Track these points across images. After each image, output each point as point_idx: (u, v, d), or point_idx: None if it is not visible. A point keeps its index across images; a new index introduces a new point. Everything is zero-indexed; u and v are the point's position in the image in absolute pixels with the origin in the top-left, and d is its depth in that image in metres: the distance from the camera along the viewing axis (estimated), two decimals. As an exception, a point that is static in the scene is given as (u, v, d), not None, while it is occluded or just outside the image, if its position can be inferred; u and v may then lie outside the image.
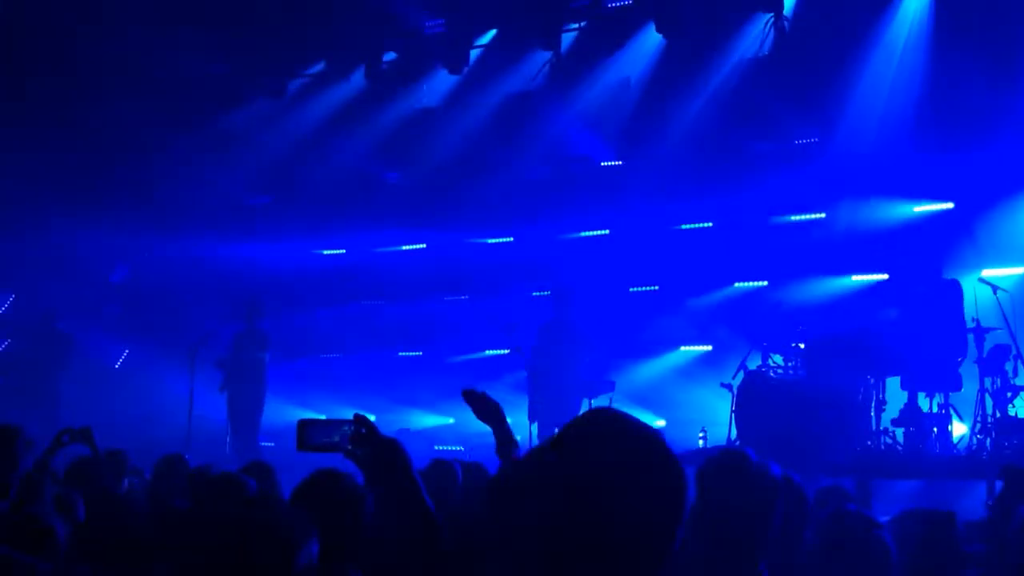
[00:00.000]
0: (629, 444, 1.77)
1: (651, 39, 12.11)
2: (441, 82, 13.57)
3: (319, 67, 14.07)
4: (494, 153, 13.09)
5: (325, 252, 14.80)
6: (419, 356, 14.26)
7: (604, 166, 12.92)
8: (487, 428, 3.69)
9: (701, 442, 10.13)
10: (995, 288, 8.88)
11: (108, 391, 12.66)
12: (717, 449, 3.37)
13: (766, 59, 11.42)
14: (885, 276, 10.82)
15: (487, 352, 13.18)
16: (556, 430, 2.00)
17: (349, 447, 2.63)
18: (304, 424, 2.80)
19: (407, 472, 2.57)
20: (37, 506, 4.27)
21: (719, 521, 2.90)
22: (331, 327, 14.78)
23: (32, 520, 3.77)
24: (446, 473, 5.12)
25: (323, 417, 11.02)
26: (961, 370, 8.74)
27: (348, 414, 2.69)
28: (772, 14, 11.31)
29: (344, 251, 14.76)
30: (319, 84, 14.17)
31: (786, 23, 11.20)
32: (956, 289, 8.97)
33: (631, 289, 12.87)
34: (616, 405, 9.51)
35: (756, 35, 11.59)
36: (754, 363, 9.43)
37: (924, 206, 11.12)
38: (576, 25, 12.62)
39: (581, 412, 2.05)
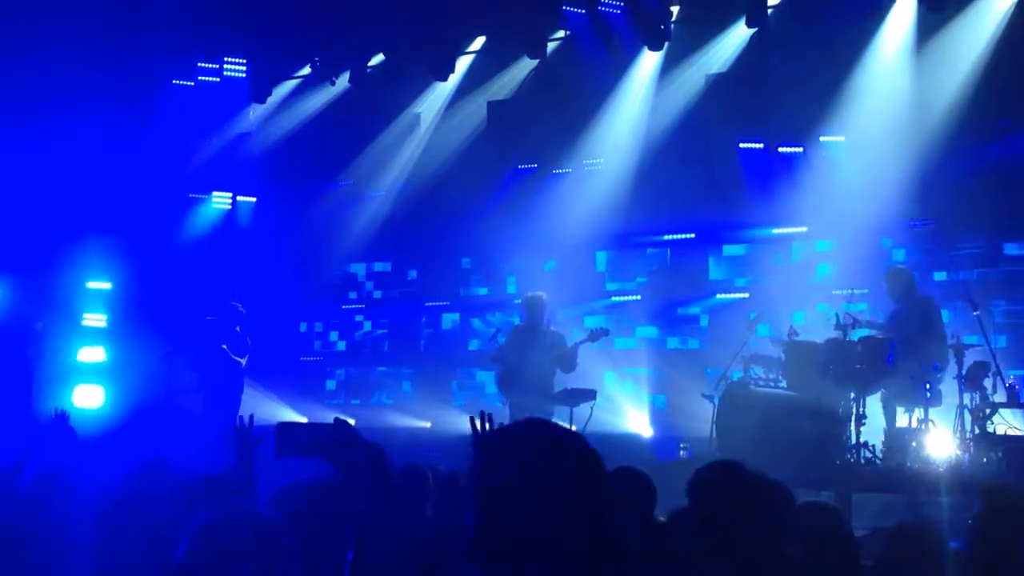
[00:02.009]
0: (535, 449, 1.89)
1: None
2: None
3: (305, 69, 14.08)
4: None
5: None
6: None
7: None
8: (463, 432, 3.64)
9: (683, 453, 10.15)
10: (974, 305, 8.94)
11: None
12: (713, 462, 3.36)
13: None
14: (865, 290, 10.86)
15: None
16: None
17: (329, 451, 2.60)
18: (283, 428, 2.77)
19: (387, 476, 2.55)
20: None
21: (719, 533, 2.90)
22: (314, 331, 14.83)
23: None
24: (421, 479, 5.08)
25: (304, 420, 10.92)
26: (941, 386, 8.80)
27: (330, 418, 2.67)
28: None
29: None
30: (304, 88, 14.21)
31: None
32: (932, 304, 9.03)
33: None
34: (597, 414, 9.63)
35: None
36: (736, 374, 9.46)
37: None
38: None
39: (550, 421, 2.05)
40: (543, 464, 1.86)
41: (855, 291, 9.92)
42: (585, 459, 1.90)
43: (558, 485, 1.85)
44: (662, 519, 4.02)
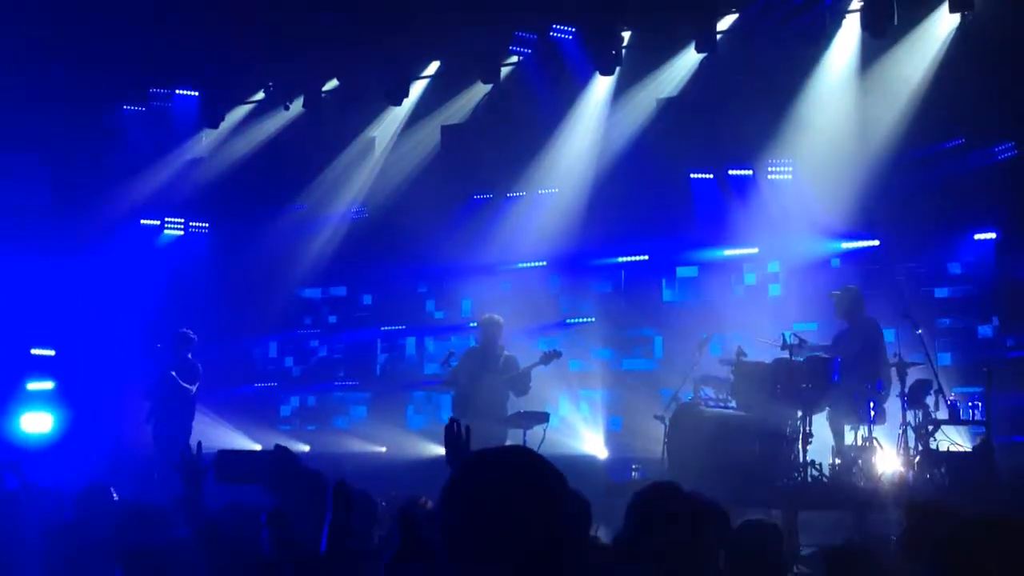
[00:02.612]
0: (501, 469, 2.14)
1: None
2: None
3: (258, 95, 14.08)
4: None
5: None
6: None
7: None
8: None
9: (635, 474, 10.19)
10: (916, 324, 9.14)
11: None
12: (649, 484, 3.42)
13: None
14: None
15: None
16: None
17: (267, 478, 2.62)
18: (224, 455, 2.79)
19: (322, 505, 2.58)
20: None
21: (652, 552, 2.96)
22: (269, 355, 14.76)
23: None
24: (369, 507, 5.09)
25: (257, 446, 10.83)
26: (885, 404, 8.97)
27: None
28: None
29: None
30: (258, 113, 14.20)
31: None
32: (876, 325, 9.22)
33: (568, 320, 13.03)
34: (551, 436, 9.68)
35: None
36: (687, 395, 9.56)
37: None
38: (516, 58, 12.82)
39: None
40: (514, 479, 2.13)
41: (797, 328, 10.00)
42: (548, 477, 2.16)
43: (524, 498, 2.10)
44: (603, 541, 4.09)
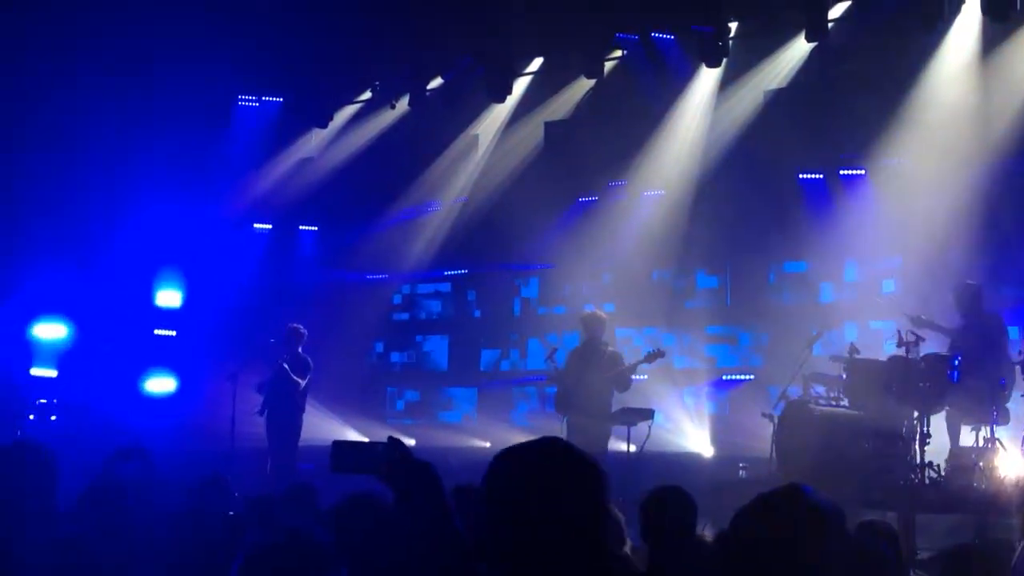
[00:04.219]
0: (541, 464, 2.11)
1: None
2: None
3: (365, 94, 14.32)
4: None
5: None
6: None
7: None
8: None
9: (742, 474, 10.02)
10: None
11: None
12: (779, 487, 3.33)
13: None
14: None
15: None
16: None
17: (383, 469, 2.64)
18: (339, 445, 2.82)
19: (439, 496, 2.59)
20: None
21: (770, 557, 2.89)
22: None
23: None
24: (469, 499, 5.12)
25: (361, 439, 11.08)
26: (1009, 404, 8.60)
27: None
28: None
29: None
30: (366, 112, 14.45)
31: None
32: (1000, 321, 8.84)
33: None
34: (657, 433, 9.59)
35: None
36: (796, 392, 9.34)
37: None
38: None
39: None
40: (547, 477, 2.08)
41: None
42: (584, 472, 2.11)
43: (558, 495, 2.05)
44: (708, 538, 4.02)
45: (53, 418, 12.08)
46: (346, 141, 14.48)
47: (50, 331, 13.09)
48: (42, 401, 12.18)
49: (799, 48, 11.79)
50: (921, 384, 8.41)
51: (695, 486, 4.89)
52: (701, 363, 12.63)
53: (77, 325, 13.10)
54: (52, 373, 12.99)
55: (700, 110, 12.50)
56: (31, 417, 11.88)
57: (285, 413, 10.69)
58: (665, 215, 12.43)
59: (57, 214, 12.45)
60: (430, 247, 14.32)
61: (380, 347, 15.19)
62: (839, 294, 11.87)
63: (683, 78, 12.41)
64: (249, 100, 14.05)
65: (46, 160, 12.39)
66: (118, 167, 12.82)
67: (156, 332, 13.56)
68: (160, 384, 13.56)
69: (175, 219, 13.34)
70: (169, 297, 13.82)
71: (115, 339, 12.96)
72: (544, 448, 2.16)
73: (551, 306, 13.84)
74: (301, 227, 14.92)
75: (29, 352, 12.93)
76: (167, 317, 13.77)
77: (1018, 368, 8.48)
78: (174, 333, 13.66)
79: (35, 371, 12.93)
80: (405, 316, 15.11)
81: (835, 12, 11.37)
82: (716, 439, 11.85)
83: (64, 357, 13.05)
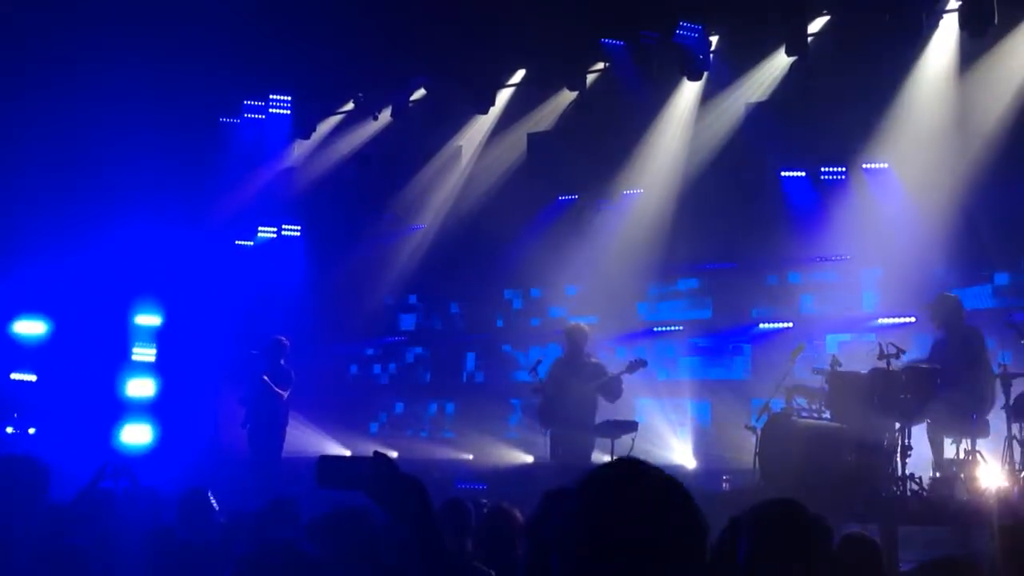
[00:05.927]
0: (645, 490, 1.90)
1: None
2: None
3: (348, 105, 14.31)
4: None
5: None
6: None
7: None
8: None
9: (726, 486, 10.03)
10: (1021, 334, 8.79)
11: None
12: (770, 500, 3.33)
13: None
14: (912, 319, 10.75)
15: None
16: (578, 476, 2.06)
17: (369, 485, 2.62)
18: (324, 460, 2.79)
19: (426, 510, 2.57)
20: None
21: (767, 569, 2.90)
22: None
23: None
24: (462, 513, 5.10)
25: (346, 453, 11.00)
26: (989, 416, 8.65)
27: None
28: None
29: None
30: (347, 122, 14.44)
31: None
32: (978, 334, 8.89)
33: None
34: (640, 445, 9.58)
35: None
36: (779, 405, 9.36)
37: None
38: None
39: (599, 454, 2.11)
40: (661, 505, 1.89)
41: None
42: (687, 500, 1.92)
43: (678, 525, 1.89)
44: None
45: (32, 431, 11.95)
46: (329, 151, 14.47)
47: (30, 328, 12.90)
48: (15, 416, 12.01)
49: (780, 61, 11.89)
50: (902, 396, 8.44)
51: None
52: (684, 374, 12.63)
53: (56, 322, 12.93)
54: (31, 377, 12.82)
55: (682, 122, 12.55)
56: (9, 431, 11.74)
57: (267, 426, 10.64)
58: (647, 224, 12.46)
59: (44, 213, 12.36)
60: (413, 256, 14.30)
61: (363, 357, 15.12)
62: (823, 305, 11.91)
63: (667, 87, 12.47)
64: (232, 120, 13.99)
65: (43, 159, 12.32)
66: (105, 173, 12.73)
67: (136, 350, 13.37)
68: (140, 388, 13.35)
69: (157, 234, 13.23)
70: (148, 318, 13.64)
71: (94, 343, 12.81)
72: (643, 475, 1.96)
73: (533, 317, 13.84)
74: (284, 231, 14.85)
75: (10, 350, 12.75)
76: (147, 333, 13.63)
77: (998, 381, 8.53)
78: (154, 353, 13.46)
79: (15, 375, 12.77)
80: (388, 326, 15.04)
81: (814, 27, 11.48)
82: (699, 451, 11.86)
83: (43, 359, 12.87)
